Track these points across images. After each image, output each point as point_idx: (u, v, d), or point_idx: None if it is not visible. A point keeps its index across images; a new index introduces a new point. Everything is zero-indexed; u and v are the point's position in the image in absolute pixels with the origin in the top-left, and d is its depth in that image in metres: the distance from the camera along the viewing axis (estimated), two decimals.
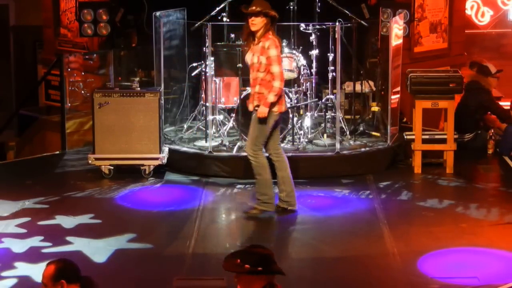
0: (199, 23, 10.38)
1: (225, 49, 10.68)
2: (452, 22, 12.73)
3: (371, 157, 10.21)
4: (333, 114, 10.53)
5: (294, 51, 10.38)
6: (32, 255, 7.60)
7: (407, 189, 9.56)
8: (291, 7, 10.67)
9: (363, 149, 10.25)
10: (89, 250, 7.71)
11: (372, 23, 11.09)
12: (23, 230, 8.23)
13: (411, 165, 10.20)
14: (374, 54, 11.63)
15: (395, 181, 9.76)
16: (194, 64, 10.90)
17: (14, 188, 9.57)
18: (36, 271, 7.13)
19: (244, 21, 8.40)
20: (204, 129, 10.61)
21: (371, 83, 11.37)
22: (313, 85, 10.58)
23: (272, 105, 8.24)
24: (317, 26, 10.43)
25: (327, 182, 9.68)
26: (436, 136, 10.26)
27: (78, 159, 10.71)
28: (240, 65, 10.04)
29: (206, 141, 10.27)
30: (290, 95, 10.18)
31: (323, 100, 10.69)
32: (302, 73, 10.42)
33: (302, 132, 10.32)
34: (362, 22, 10.64)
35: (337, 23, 10.01)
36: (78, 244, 7.87)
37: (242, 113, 10.04)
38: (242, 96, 10.09)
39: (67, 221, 8.47)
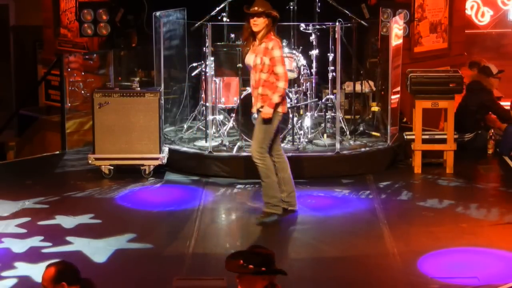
0: (199, 23, 10.38)
1: (225, 49, 10.68)
2: (452, 22, 12.74)
3: (371, 157, 10.21)
4: (333, 114, 10.53)
5: (294, 51, 10.39)
6: (32, 255, 7.60)
7: (407, 189, 9.56)
8: (291, 7, 10.67)
9: (363, 149, 10.25)
10: (89, 250, 7.71)
11: (372, 23, 11.09)
12: (23, 230, 8.23)
13: (411, 165, 10.20)
14: (374, 54, 11.63)
15: (395, 181, 9.76)
16: (194, 64, 10.90)
17: (14, 188, 9.57)
18: (36, 271, 7.13)
19: (245, 21, 8.37)
20: (204, 129, 10.61)
21: (371, 83, 11.37)
22: (313, 85, 10.58)
23: (276, 105, 8.22)
24: (317, 26, 10.43)
25: (327, 182, 9.68)
26: (436, 136, 10.26)
27: (78, 159, 10.71)
28: (240, 65, 10.04)
29: (206, 141, 10.27)
30: (290, 95, 10.17)
31: (323, 100, 10.69)
32: (302, 73, 10.42)
33: (302, 132, 10.32)
34: (362, 22, 10.64)
35: (337, 23, 10.01)
36: (78, 244, 7.87)
37: (242, 113, 10.04)
38: (242, 96, 10.09)
39: (67, 221, 8.47)
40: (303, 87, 10.48)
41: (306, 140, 10.29)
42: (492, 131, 10.85)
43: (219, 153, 10.05)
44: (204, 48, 10.35)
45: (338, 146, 10.04)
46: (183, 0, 11.26)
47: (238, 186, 9.64)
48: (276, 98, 8.19)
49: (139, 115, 9.86)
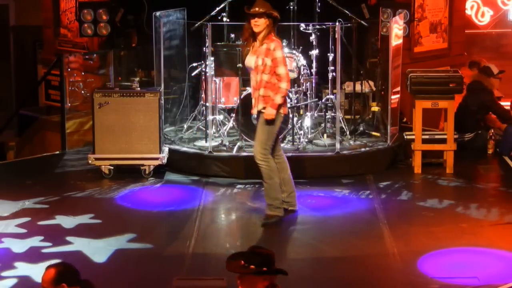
0: (199, 23, 10.38)
1: (225, 49, 10.67)
2: (452, 22, 12.74)
3: (371, 157, 10.21)
4: (333, 114, 10.53)
5: (294, 51, 10.39)
6: (32, 255, 7.60)
7: (407, 189, 9.56)
8: (291, 7, 10.67)
9: (363, 149, 10.25)
10: (89, 250, 7.71)
11: (372, 23, 11.09)
12: (23, 230, 8.23)
13: (411, 165, 10.20)
14: (374, 54, 11.63)
15: (395, 181, 9.76)
16: (194, 64, 10.90)
17: (14, 188, 9.57)
18: (36, 271, 7.13)
19: (245, 21, 8.34)
20: (204, 129, 10.61)
21: (371, 83, 11.37)
22: (313, 85, 10.58)
23: (279, 106, 8.21)
24: (317, 26, 10.43)
25: (327, 182, 9.68)
26: (436, 136, 10.26)
27: (78, 159, 10.71)
28: (240, 65, 10.03)
29: (206, 141, 10.27)
30: (290, 95, 10.17)
31: (323, 100, 10.69)
32: (302, 73, 10.42)
33: (302, 132, 10.32)
34: (362, 22, 10.64)
35: (337, 23, 10.01)
36: (78, 244, 7.87)
37: (242, 113, 10.04)
38: (242, 96, 10.09)
39: (67, 221, 8.47)
40: (303, 87, 10.48)
41: (306, 140, 10.29)
42: (492, 131, 10.86)
43: (219, 153, 10.05)
44: (204, 48, 10.34)
45: (338, 146, 10.04)
46: (183, 0, 11.26)
47: (238, 186, 9.64)
48: (278, 99, 8.17)
49: (139, 115, 9.86)
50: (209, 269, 7.34)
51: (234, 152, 10.04)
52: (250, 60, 8.28)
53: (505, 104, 11.38)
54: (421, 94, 10.18)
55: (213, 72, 10.20)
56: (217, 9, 10.57)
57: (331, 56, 10.36)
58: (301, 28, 10.49)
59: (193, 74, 10.93)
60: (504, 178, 10.11)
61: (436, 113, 10.87)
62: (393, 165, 10.36)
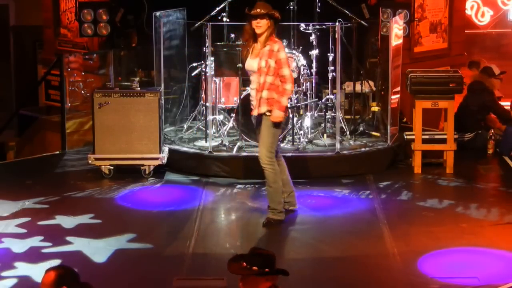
0: (199, 23, 10.38)
1: (225, 49, 10.67)
2: (452, 22, 12.74)
3: (371, 157, 10.21)
4: (333, 114, 10.53)
5: (294, 51, 10.38)
6: (32, 255, 7.60)
7: (407, 189, 9.56)
8: (291, 7, 10.67)
9: (363, 149, 10.25)
10: (89, 250, 7.71)
11: (372, 23, 11.09)
12: (23, 230, 8.23)
13: (411, 165, 10.20)
14: (374, 54, 11.64)
15: (395, 181, 9.76)
16: (194, 64, 10.91)
17: (14, 188, 9.57)
18: (36, 271, 7.14)
19: (246, 23, 8.31)
20: (204, 129, 10.61)
21: (371, 83, 11.37)
22: (313, 85, 10.58)
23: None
24: (317, 26, 10.43)
25: (327, 182, 9.68)
26: (436, 136, 10.26)
27: (78, 159, 10.71)
28: (240, 65, 10.03)
29: (206, 141, 10.27)
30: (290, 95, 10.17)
31: (323, 100, 10.69)
32: (302, 73, 10.42)
33: (302, 132, 10.32)
34: (362, 22, 10.64)
35: (337, 23, 10.01)
36: (78, 244, 7.87)
37: (242, 113, 10.03)
38: (242, 96, 10.09)
39: (67, 221, 8.47)
40: (303, 87, 10.47)
41: (306, 140, 10.29)
42: (492, 131, 10.86)
43: (219, 153, 10.05)
44: (204, 48, 10.34)
45: (338, 146, 10.04)
46: (183, 0, 11.26)
47: (238, 186, 9.64)
48: (285, 101, 8.17)
49: (139, 115, 9.86)
50: (209, 269, 7.34)
51: (234, 152, 10.04)
52: (252, 63, 8.23)
53: (505, 104, 11.39)
54: (421, 94, 10.18)
55: (213, 72, 10.20)
56: (217, 9, 10.57)
57: (331, 56, 10.36)
58: (301, 28, 10.49)
59: (193, 74, 10.93)
60: (504, 178, 10.11)
61: (436, 113, 10.87)
62: (393, 165, 10.36)
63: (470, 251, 7.69)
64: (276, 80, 8.15)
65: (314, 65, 10.48)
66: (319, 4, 10.74)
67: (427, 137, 10.18)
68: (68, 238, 8.00)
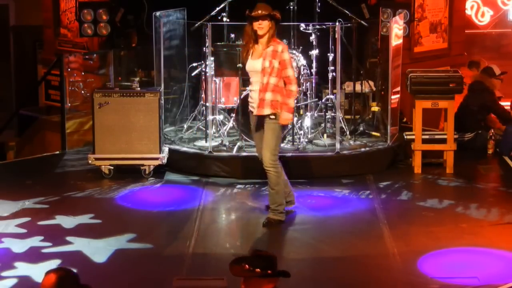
0: (199, 23, 10.38)
1: (225, 49, 10.67)
2: (452, 22, 12.74)
3: (371, 157, 10.21)
4: (333, 114, 10.53)
5: (294, 51, 10.38)
6: (32, 255, 7.60)
7: (407, 189, 9.56)
8: (291, 7, 10.67)
9: (363, 149, 10.25)
10: (89, 250, 7.70)
11: (372, 23, 11.09)
12: (23, 230, 8.23)
13: (411, 165, 10.20)
14: (374, 54, 11.63)
15: (395, 181, 9.76)
16: (194, 64, 10.91)
17: (14, 188, 9.57)
18: (36, 271, 7.14)
19: (247, 25, 8.29)
20: (204, 129, 10.61)
21: (371, 83, 11.37)
22: (313, 85, 10.58)
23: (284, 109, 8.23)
24: (317, 26, 10.43)
25: (327, 182, 9.68)
26: (436, 136, 10.26)
27: (78, 159, 10.71)
28: (240, 65, 10.03)
29: (206, 141, 10.27)
30: None
31: (323, 100, 10.69)
32: (302, 73, 10.42)
33: (302, 132, 10.32)
34: (362, 22, 10.64)
35: (337, 23, 10.01)
36: (78, 244, 7.87)
37: (242, 113, 10.03)
38: (242, 96, 10.09)
39: (67, 221, 8.47)
40: (303, 87, 10.47)
41: (306, 140, 10.29)
42: (492, 131, 10.86)
43: (219, 153, 10.05)
44: (204, 48, 10.34)
45: (338, 146, 10.04)
46: (183, 0, 11.26)
47: (238, 186, 9.64)
48: (292, 103, 8.20)
49: (139, 115, 9.86)
50: (209, 269, 7.34)
51: (234, 152, 10.04)
52: (255, 63, 8.21)
53: (505, 104, 11.39)
54: (421, 94, 10.18)
55: (213, 72, 10.20)
56: (217, 9, 10.57)
57: (331, 56, 10.36)
58: (301, 28, 10.49)
59: (193, 74, 10.93)
60: (504, 178, 10.11)
61: (436, 113, 10.87)
62: (393, 165, 10.36)
63: (470, 251, 7.69)
64: (280, 81, 8.15)
65: (314, 65, 10.48)
66: (319, 4, 10.74)
67: (427, 137, 10.18)
68: (68, 238, 7.99)
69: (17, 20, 16.49)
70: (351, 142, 10.37)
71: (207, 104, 10.27)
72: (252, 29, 8.22)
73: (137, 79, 10.84)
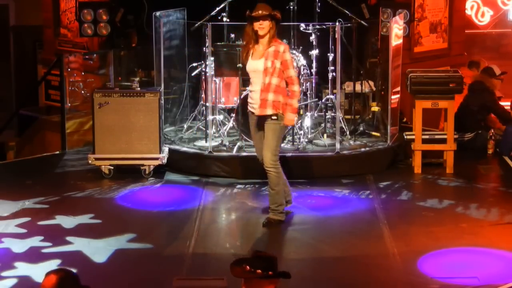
0: (199, 23, 10.38)
1: (225, 49, 10.67)
2: (452, 22, 12.74)
3: (371, 157, 10.21)
4: (333, 114, 10.53)
5: (294, 51, 10.38)
6: (32, 255, 7.60)
7: (407, 189, 9.56)
8: (291, 7, 10.67)
9: (363, 149, 10.25)
10: (89, 250, 7.70)
11: (372, 23, 11.09)
12: (23, 230, 8.23)
13: (411, 165, 10.20)
14: (374, 54, 11.63)
15: (395, 181, 9.76)
16: (194, 64, 10.91)
17: (14, 188, 9.57)
18: (36, 271, 7.14)
19: (247, 25, 8.29)
20: (204, 129, 10.61)
21: (371, 83, 11.37)
22: (313, 85, 10.58)
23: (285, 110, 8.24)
24: (317, 26, 10.43)
25: (327, 182, 9.68)
26: (436, 136, 10.26)
27: (78, 159, 10.71)
28: (240, 65, 10.03)
29: (206, 141, 10.27)
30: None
31: (323, 100, 10.69)
32: (302, 73, 10.41)
33: (302, 132, 10.32)
34: (362, 22, 10.64)
35: (337, 23, 10.01)
36: (78, 244, 7.87)
37: (242, 113, 10.03)
38: (242, 96, 10.08)
39: (67, 221, 8.47)
40: (303, 87, 10.47)
41: (306, 140, 10.29)
42: (492, 131, 10.86)
43: (219, 153, 10.05)
44: (204, 48, 10.34)
45: (338, 146, 10.04)
46: (183, 0, 11.26)
47: (238, 186, 9.64)
48: (296, 103, 8.23)
49: (139, 115, 9.86)
50: (209, 269, 7.34)
51: (234, 152, 10.04)
52: (257, 63, 8.20)
53: (505, 104, 11.38)
54: (421, 94, 10.18)
55: (213, 72, 10.20)
56: (217, 9, 10.57)
57: (331, 56, 10.36)
58: (301, 28, 10.49)
59: (193, 74, 10.93)
60: (504, 178, 10.11)
61: (436, 113, 10.87)
62: (393, 165, 10.36)
63: (470, 251, 7.69)
64: (282, 82, 8.16)
65: (314, 65, 10.48)
66: (319, 4, 10.73)
67: (427, 137, 10.18)
68: (68, 238, 7.99)
69: (17, 20, 16.49)
70: (351, 142, 10.37)
71: (207, 104, 10.27)
72: (252, 29, 8.22)
73: (137, 79, 10.84)
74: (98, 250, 7.71)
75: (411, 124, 10.95)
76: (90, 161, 9.94)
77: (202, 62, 10.59)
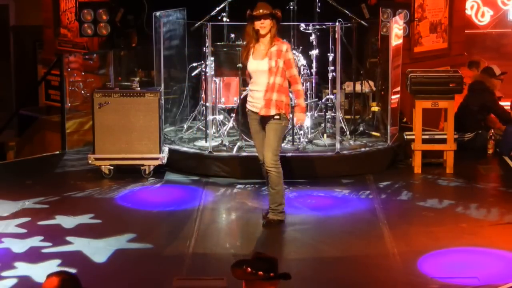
0: (199, 23, 10.38)
1: (225, 49, 10.67)
2: (452, 22, 12.74)
3: (371, 157, 10.20)
4: (333, 114, 10.53)
5: (294, 51, 10.38)
6: (32, 255, 7.60)
7: (407, 189, 9.56)
8: (291, 7, 10.67)
9: (363, 149, 10.25)
10: (89, 250, 7.70)
11: (372, 23, 11.09)
12: (23, 230, 8.23)
13: (411, 165, 10.20)
14: (374, 54, 11.63)
15: (395, 181, 9.76)
16: (194, 64, 10.91)
17: (14, 188, 9.57)
18: (36, 271, 7.14)
19: (248, 25, 8.29)
20: (204, 129, 10.61)
21: (371, 83, 11.37)
22: (313, 85, 10.58)
23: (288, 110, 8.24)
24: (317, 26, 10.43)
25: (327, 182, 9.68)
26: (436, 136, 10.26)
27: (78, 159, 10.71)
28: (240, 65, 10.03)
29: (206, 141, 10.27)
30: (290, 95, 10.15)
31: (323, 100, 10.69)
32: (302, 73, 10.41)
33: (302, 132, 10.32)
34: (362, 22, 10.64)
35: (337, 23, 10.01)
36: (78, 244, 7.87)
37: (242, 113, 10.03)
38: (242, 96, 10.08)
39: (67, 221, 8.47)
40: (303, 87, 10.46)
41: (306, 140, 10.29)
42: (492, 131, 10.86)
43: (219, 153, 10.05)
44: (204, 48, 10.34)
45: (338, 146, 10.04)
46: (183, 0, 11.25)
47: (238, 186, 9.64)
48: (303, 102, 8.29)
49: (139, 115, 9.86)
50: (209, 269, 7.34)
51: (234, 152, 10.04)
52: (259, 63, 8.19)
53: (505, 104, 11.38)
54: (421, 94, 10.18)
55: (213, 72, 10.20)
56: (217, 9, 10.57)
57: (331, 56, 10.36)
58: (301, 28, 10.49)
59: (193, 74, 10.93)
60: (504, 178, 10.11)
61: (436, 113, 10.87)
62: (393, 165, 10.36)
63: (470, 251, 7.69)
64: (285, 82, 8.18)
65: (314, 65, 10.48)
66: (319, 4, 10.74)
67: (427, 137, 10.18)
68: (68, 238, 7.99)
69: (17, 20, 16.49)
70: (351, 142, 10.37)
71: (207, 104, 10.27)
72: (253, 28, 8.22)
73: (137, 79, 10.84)
74: (98, 250, 7.71)
75: (411, 124, 10.95)
76: (90, 161, 9.94)
77: (202, 62, 10.59)
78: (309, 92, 10.54)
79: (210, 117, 10.16)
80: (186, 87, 11.20)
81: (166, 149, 10.12)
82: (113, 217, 8.71)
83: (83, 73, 12.77)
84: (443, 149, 10.17)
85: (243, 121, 10.03)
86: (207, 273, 7.16)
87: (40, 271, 7.11)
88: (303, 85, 10.39)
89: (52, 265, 7.29)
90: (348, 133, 10.46)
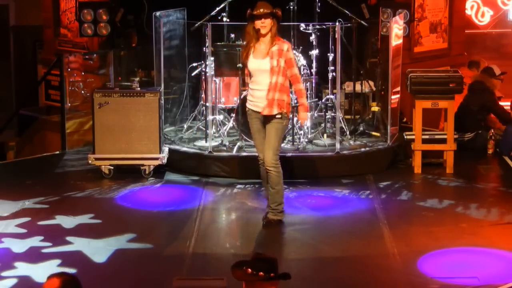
0: (199, 23, 10.38)
1: (225, 49, 10.67)
2: (452, 22, 12.74)
3: (371, 157, 10.20)
4: (333, 114, 10.54)
5: (294, 51, 10.37)
6: (32, 255, 7.60)
7: (407, 189, 9.56)
8: (291, 7, 10.67)
9: (363, 149, 10.25)
10: (89, 250, 7.70)
11: (372, 23, 11.09)
12: (23, 230, 8.23)
13: (411, 165, 10.20)
14: (374, 54, 11.63)
15: (395, 181, 9.76)
16: (194, 64, 10.91)
17: (14, 188, 9.57)
18: (36, 271, 7.14)
19: (248, 24, 8.29)
20: (204, 129, 10.61)
21: (371, 83, 11.37)
22: (313, 85, 10.59)
23: (289, 109, 8.25)
24: (317, 26, 10.43)
25: (327, 182, 9.68)
26: (436, 136, 10.26)
27: (78, 159, 10.71)
28: (240, 65, 10.03)
29: (206, 141, 10.27)
30: (290, 95, 10.16)
31: (323, 100, 10.69)
32: (302, 73, 10.41)
33: (302, 132, 10.32)
34: (362, 22, 10.64)
35: (337, 23, 10.01)
36: (78, 244, 7.87)
37: (242, 113, 10.03)
38: (242, 96, 10.08)
39: (67, 221, 8.47)
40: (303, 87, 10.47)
41: (306, 140, 10.29)
42: (492, 131, 10.86)
43: (219, 153, 10.05)
44: (204, 48, 10.34)
45: (338, 146, 10.04)
46: (183, 0, 11.25)
47: (238, 186, 9.64)
48: (306, 101, 8.34)
49: (139, 115, 9.86)
50: (209, 269, 7.34)
51: (234, 152, 10.04)
52: (261, 63, 8.18)
53: (505, 104, 11.38)
54: (421, 94, 10.18)
55: (213, 72, 10.20)
56: (217, 9, 10.57)
57: (331, 56, 10.37)
58: (301, 28, 10.49)
59: (193, 74, 10.93)
60: (504, 178, 10.11)
61: (436, 113, 10.87)
62: (393, 165, 10.36)
63: (470, 251, 7.69)
64: (286, 81, 8.19)
65: (314, 65, 10.48)
66: (319, 4, 10.74)
67: (427, 137, 10.18)
68: (68, 238, 7.99)
69: (17, 20, 16.49)
70: (351, 142, 10.37)
71: (207, 104, 10.27)
72: (253, 28, 8.22)
73: (137, 79, 10.84)
74: (98, 250, 7.71)
75: (411, 124, 10.95)
76: (90, 161, 9.94)
77: (202, 62, 10.59)
78: (309, 92, 10.54)
79: (210, 117, 10.16)
80: (186, 87, 11.20)
81: (166, 149, 10.12)
82: (113, 217, 8.71)
83: (83, 73, 12.77)
84: (443, 149, 10.17)
85: (243, 121, 10.03)
86: (207, 273, 7.16)
87: (40, 271, 7.11)
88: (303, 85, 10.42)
89: (52, 265, 7.29)
90: (348, 133, 10.46)
